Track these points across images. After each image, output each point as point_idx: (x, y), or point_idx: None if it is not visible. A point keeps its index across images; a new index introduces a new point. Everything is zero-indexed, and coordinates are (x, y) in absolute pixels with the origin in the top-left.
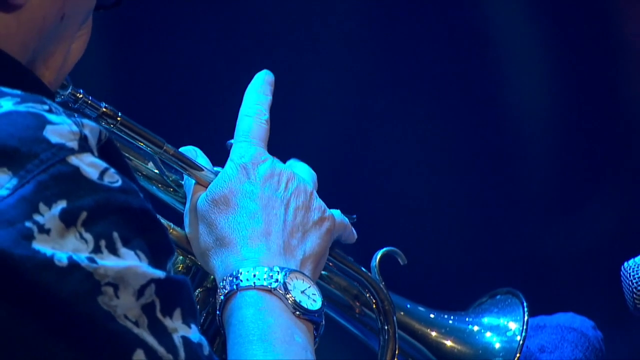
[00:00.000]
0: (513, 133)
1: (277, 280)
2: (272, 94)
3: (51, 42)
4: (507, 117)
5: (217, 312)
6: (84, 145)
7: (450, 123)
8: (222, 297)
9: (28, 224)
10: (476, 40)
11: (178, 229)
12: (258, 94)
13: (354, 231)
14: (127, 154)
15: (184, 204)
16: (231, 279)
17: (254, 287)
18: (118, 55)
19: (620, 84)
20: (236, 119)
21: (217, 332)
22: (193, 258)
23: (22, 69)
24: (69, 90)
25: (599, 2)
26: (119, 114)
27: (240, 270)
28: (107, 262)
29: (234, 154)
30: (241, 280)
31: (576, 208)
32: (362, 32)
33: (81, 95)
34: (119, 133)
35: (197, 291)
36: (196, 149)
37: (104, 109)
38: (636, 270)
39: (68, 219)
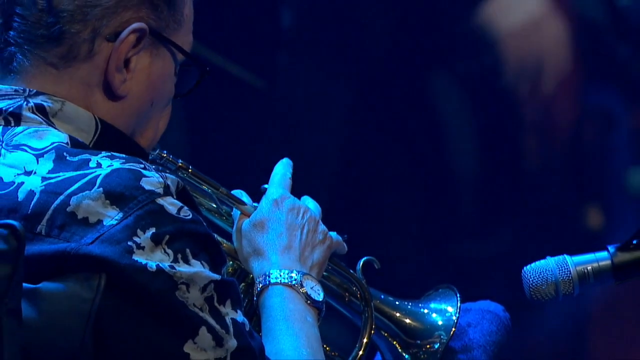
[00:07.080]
0: (449, 170)
1: (295, 280)
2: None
3: (144, 121)
4: (446, 160)
5: (254, 299)
6: (167, 191)
7: (403, 160)
8: (258, 288)
9: (130, 243)
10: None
11: (229, 243)
12: (285, 166)
13: (345, 246)
14: (195, 194)
15: (232, 227)
16: (264, 276)
17: (280, 283)
18: (188, 126)
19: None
20: (268, 170)
21: (253, 313)
22: (238, 263)
23: (128, 139)
24: (157, 151)
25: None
26: (190, 167)
27: (270, 271)
28: (182, 268)
29: (268, 193)
30: (271, 278)
31: (494, 229)
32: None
33: (165, 155)
34: (190, 179)
35: (241, 285)
36: (242, 191)
37: (179, 164)
38: (532, 273)
39: (156, 240)
